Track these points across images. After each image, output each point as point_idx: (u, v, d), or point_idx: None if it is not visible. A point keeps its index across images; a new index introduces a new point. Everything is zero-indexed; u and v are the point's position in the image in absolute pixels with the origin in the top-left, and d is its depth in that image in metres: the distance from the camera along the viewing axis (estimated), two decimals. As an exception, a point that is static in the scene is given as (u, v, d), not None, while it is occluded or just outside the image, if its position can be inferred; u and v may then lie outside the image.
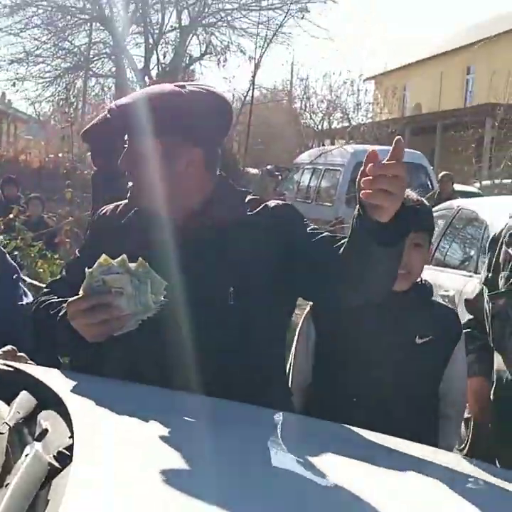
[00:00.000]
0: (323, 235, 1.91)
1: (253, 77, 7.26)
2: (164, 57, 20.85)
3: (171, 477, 1.20)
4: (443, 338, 2.36)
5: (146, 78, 20.00)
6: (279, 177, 14.47)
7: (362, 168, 1.59)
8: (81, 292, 1.76)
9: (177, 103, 1.88)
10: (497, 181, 15.17)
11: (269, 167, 15.53)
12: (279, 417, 1.75)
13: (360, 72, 27.15)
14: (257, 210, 1.97)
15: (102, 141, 2.88)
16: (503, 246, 2.51)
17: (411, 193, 2.32)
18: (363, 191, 1.58)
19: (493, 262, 2.57)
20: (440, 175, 11.53)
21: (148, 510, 1.09)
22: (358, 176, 1.60)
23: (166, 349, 1.83)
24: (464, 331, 2.48)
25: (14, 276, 2.50)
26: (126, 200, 2.08)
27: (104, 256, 1.74)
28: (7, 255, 2.55)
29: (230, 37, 22.34)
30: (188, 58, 21.29)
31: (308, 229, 1.95)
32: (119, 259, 1.74)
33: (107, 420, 1.45)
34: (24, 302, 2.46)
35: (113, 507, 1.08)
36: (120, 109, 1.90)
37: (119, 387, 1.78)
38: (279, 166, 17.41)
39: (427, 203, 2.42)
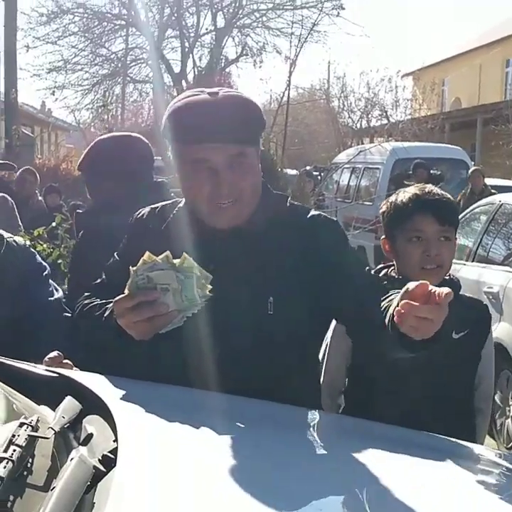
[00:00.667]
0: (370, 274, 2.01)
1: (289, 76, 7.28)
2: (200, 60, 20.94)
3: (215, 480, 1.21)
4: (477, 331, 2.35)
5: (183, 82, 20.10)
6: (319, 177, 14.44)
7: (404, 292, 1.55)
8: (126, 290, 1.76)
9: (255, 112, 1.92)
10: (539, 175, 14.98)
11: (307, 168, 15.51)
12: (311, 415, 1.79)
13: (398, 68, 27.00)
14: (301, 219, 1.98)
15: (113, 163, 2.84)
16: None
17: (434, 188, 2.32)
18: (399, 313, 1.54)
19: None
20: (470, 170, 11.42)
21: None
22: (399, 298, 1.56)
23: (201, 355, 1.84)
24: None
25: (44, 274, 2.54)
26: (164, 202, 2.10)
27: (147, 253, 1.74)
28: (37, 255, 2.59)
29: (265, 37, 22.40)
30: (223, 60, 21.36)
31: (352, 256, 1.99)
32: (162, 255, 1.74)
33: (151, 424, 1.46)
34: (54, 297, 2.49)
35: (156, 511, 1.09)
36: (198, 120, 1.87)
37: (162, 391, 1.79)
38: (317, 166, 17.37)
39: (451, 197, 2.41)
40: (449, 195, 2.39)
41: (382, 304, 1.73)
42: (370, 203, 11.98)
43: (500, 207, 6.47)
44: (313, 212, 2.02)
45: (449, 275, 2.37)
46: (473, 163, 13.77)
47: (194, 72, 17.70)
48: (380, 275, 2.37)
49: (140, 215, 2.12)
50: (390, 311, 1.63)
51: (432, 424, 1.92)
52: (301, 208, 2.06)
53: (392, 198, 2.36)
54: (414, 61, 34.31)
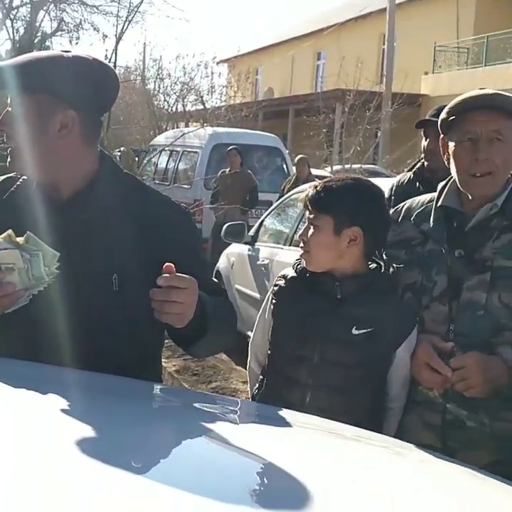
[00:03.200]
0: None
1: (114, 53, 7.22)
2: (17, 32, 20.19)
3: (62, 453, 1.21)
4: (387, 332, 2.21)
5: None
6: (136, 158, 14.35)
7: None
8: None
9: (44, 60, 1.88)
10: (347, 166, 15.68)
11: (122, 149, 15.35)
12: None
13: (214, 54, 27.22)
14: (147, 199, 2.00)
15: None
16: None
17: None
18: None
19: None
20: (296, 158, 11.78)
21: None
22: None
23: (44, 328, 1.83)
24: None
25: None
26: (8, 175, 2.03)
27: None
28: None
29: (83, 14, 21.89)
30: (41, 35, 20.70)
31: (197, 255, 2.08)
32: (4, 234, 1.71)
33: None
34: None
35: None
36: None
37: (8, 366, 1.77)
38: (133, 148, 17.24)
39: (334, 186, 2.25)
40: (319, 182, 2.30)
41: None
42: (189, 186, 12.11)
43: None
44: (167, 197, 2.07)
45: (383, 268, 2.27)
46: (287, 151, 14.20)
47: (11, 44, 17.05)
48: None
49: None
50: None
51: (327, 413, 1.94)
52: (153, 189, 2.09)
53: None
54: (230, 48, 34.73)
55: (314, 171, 12.40)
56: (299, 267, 2.30)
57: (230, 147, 10.81)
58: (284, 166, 12.98)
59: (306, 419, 1.80)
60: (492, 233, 2.17)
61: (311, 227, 2.24)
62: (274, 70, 32.54)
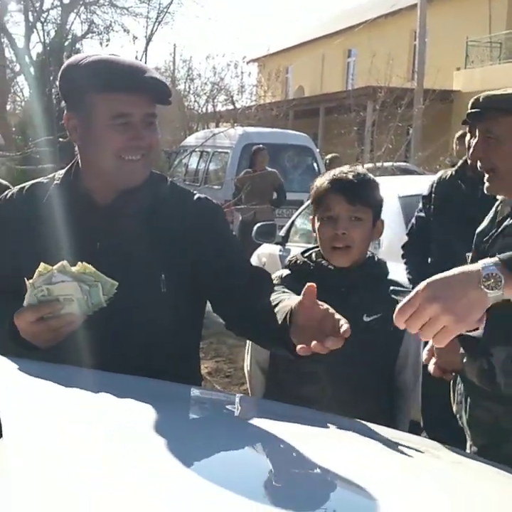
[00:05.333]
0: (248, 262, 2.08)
1: (144, 54, 7.20)
2: (47, 35, 20.33)
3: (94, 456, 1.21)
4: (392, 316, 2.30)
5: (27, 58, 19.42)
6: (168, 160, 14.38)
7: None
8: (26, 303, 1.73)
9: None
10: (379, 164, 15.56)
11: (163, 150, 15.41)
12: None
13: (244, 54, 27.23)
14: (187, 200, 2.01)
15: None
16: None
17: (354, 169, 2.35)
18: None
19: None
20: (328, 157, 11.69)
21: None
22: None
23: (96, 336, 1.81)
24: None
25: None
26: (34, 181, 2.04)
27: (42, 265, 1.71)
28: None
29: (113, 16, 22.04)
30: (71, 38, 20.84)
31: (234, 241, 2.10)
32: (58, 265, 1.71)
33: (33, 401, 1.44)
34: None
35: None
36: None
37: (39, 367, 1.76)
38: (164, 149, 17.30)
39: (371, 177, 2.37)
40: (371, 177, 2.37)
41: (273, 298, 1.80)
42: (219, 187, 12.08)
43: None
44: (198, 194, 2.05)
45: (373, 256, 2.38)
46: (318, 150, 14.13)
47: (43, 47, 17.18)
48: (305, 256, 2.38)
49: (8, 196, 2.02)
50: (285, 309, 1.69)
51: (346, 407, 1.99)
52: (184, 189, 2.08)
53: (316, 181, 2.40)
54: (260, 48, 34.78)
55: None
56: (298, 262, 2.34)
57: (255, 146, 10.71)
58: (315, 164, 12.89)
59: (332, 419, 1.78)
60: None
61: (352, 219, 2.27)
62: (304, 69, 32.46)
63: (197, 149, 13.06)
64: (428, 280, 1.41)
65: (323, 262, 2.33)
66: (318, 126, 25.02)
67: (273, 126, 18.59)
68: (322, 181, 2.35)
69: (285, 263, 2.40)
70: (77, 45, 19.84)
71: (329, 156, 11.74)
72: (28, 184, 2.04)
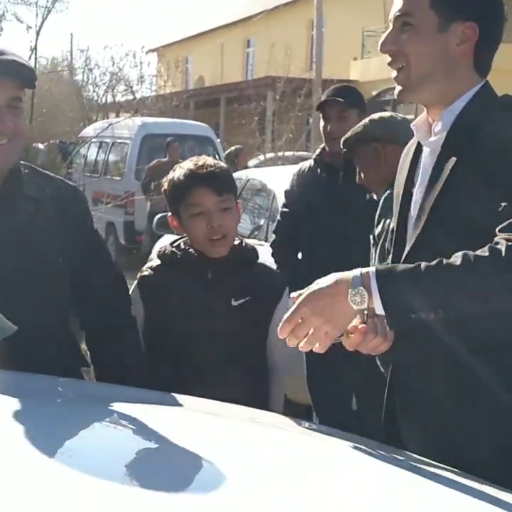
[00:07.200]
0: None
1: (35, 45, 7.04)
2: None
3: None
4: (261, 299, 2.38)
5: None
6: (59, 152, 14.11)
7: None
8: None
9: None
10: (280, 153, 15.68)
11: (57, 142, 15.12)
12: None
13: (142, 44, 26.98)
14: (45, 184, 2.02)
15: None
16: None
17: (207, 160, 2.36)
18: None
19: None
20: (233, 149, 11.69)
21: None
22: None
23: None
24: None
25: None
26: None
27: None
28: None
29: (5, 5, 21.46)
30: (-39, 27, 20.20)
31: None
32: None
33: None
34: None
35: None
36: None
37: None
38: (62, 140, 16.97)
39: (224, 165, 2.46)
40: (222, 164, 2.45)
41: None
42: (119, 178, 11.94)
43: (246, 182, 6.71)
44: (61, 180, 2.10)
45: (243, 243, 2.45)
46: (219, 140, 14.12)
47: None
48: (174, 246, 2.41)
49: None
50: None
51: (221, 389, 2.03)
52: (52, 177, 2.10)
53: (170, 175, 2.38)
54: (159, 37, 34.44)
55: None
56: (166, 252, 2.39)
57: (170, 138, 10.66)
58: (216, 154, 12.87)
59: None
60: None
61: (223, 210, 2.31)
62: (204, 59, 32.38)
63: (95, 140, 12.86)
64: (305, 294, 1.55)
65: (190, 250, 2.37)
66: (219, 116, 25.01)
67: (174, 116, 18.49)
68: (178, 176, 2.35)
69: (156, 253, 2.44)
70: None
71: (233, 148, 11.74)
72: None
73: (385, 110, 3.41)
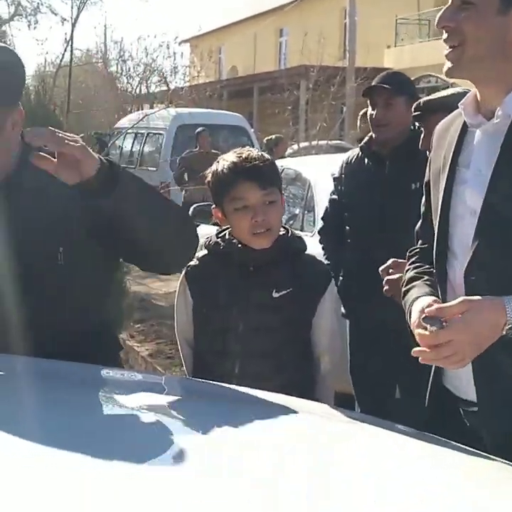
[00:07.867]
0: None
1: (71, 36, 7.09)
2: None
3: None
4: (306, 290, 2.36)
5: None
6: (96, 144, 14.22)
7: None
8: None
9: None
10: (314, 143, 15.65)
11: (96, 132, 15.24)
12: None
13: (175, 34, 26.97)
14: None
15: None
16: None
17: (251, 152, 2.34)
18: None
19: None
20: (272, 137, 11.62)
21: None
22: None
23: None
24: None
25: None
26: None
27: None
28: None
29: (40, -3, 21.65)
30: (-3, 20, 20.42)
31: None
32: None
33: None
34: None
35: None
36: None
37: None
38: (98, 131, 17.09)
39: (269, 157, 2.42)
40: (267, 156, 2.41)
41: None
42: (155, 169, 12.03)
43: (281, 172, 6.74)
44: None
45: (290, 233, 2.41)
46: (252, 130, 14.14)
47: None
48: (219, 237, 2.41)
49: None
50: None
51: (261, 381, 2.03)
52: None
53: (214, 167, 2.36)
54: (192, 28, 34.51)
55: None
56: (211, 243, 2.39)
57: (199, 128, 10.69)
58: (250, 144, 12.90)
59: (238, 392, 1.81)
60: None
61: (267, 204, 2.30)
62: (237, 49, 32.35)
63: (131, 131, 12.96)
64: (459, 331, 1.64)
65: (233, 241, 2.36)
66: (252, 106, 25.00)
67: (207, 106, 18.53)
68: (222, 169, 2.33)
69: (202, 244, 2.41)
70: (3, 28, 19.49)
71: (274, 136, 11.67)
72: None
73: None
